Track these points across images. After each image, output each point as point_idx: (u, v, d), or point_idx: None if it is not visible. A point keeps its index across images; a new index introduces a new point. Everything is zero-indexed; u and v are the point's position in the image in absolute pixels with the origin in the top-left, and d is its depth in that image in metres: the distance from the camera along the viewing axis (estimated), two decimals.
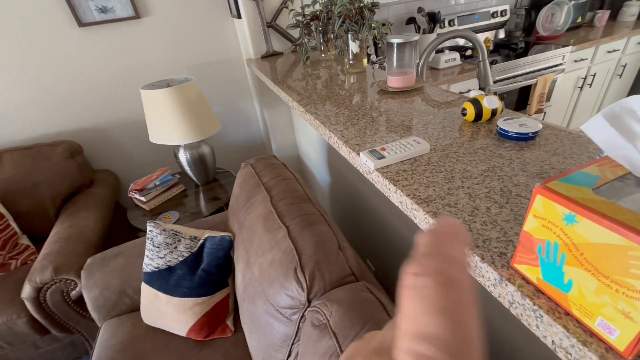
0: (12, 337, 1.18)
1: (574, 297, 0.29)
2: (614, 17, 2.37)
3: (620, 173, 0.29)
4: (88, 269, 1.10)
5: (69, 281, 1.15)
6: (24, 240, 1.40)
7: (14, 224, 1.37)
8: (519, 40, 2.16)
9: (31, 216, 1.44)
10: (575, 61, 2.04)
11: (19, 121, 1.57)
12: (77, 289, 1.17)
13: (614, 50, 2.13)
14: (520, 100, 2.00)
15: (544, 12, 2.09)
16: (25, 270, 1.29)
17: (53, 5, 1.42)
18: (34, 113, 1.58)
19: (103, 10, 1.48)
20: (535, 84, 1.90)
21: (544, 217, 0.29)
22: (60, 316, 1.20)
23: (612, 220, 0.24)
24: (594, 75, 2.17)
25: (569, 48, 1.92)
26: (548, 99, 2.06)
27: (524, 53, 1.95)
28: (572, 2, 2.10)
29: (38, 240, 1.47)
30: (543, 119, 2.12)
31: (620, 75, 2.29)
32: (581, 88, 2.19)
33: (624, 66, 2.25)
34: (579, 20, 2.25)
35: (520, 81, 1.90)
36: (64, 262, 1.16)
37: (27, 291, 1.12)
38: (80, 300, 1.20)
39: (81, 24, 1.47)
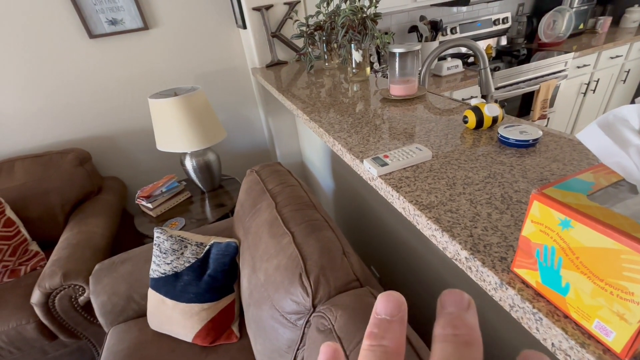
0: (21, 343, 1.20)
1: (571, 299, 0.29)
2: (616, 23, 2.38)
3: (614, 180, 0.30)
4: (96, 274, 1.11)
5: (77, 287, 1.17)
6: (34, 247, 1.42)
7: (24, 231, 1.40)
8: (521, 47, 2.18)
9: (41, 223, 1.47)
10: (578, 67, 2.04)
11: (30, 130, 1.61)
12: (85, 294, 1.19)
13: (617, 56, 2.13)
14: (523, 106, 2.01)
15: (545, 19, 2.11)
16: (35, 276, 1.31)
17: (65, 18, 1.47)
18: (45, 122, 1.62)
19: (113, 22, 1.53)
20: (538, 90, 1.91)
21: (541, 222, 0.30)
22: (69, 322, 1.21)
23: (605, 225, 0.25)
24: (597, 81, 2.17)
25: (572, 54, 1.93)
26: (551, 105, 2.06)
27: (527, 60, 1.96)
28: (574, 9, 2.11)
29: (47, 246, 1.50)
30: (547, 125, 2.13)
31: (624, 81, 2.30)
32: (585, 94, 2.20)
33: (628, 72, 2.25)
34: (581, 26, 2.26)
35: (523, 87, 1.91)
36: (72, 268, 1.18)
37: (36, 297, 1.14)
38: (88, 305, 1.22)
39: (92, 35, 1.52)
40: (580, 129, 2.37)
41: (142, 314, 1.11)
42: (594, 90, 2.21)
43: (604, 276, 0.26)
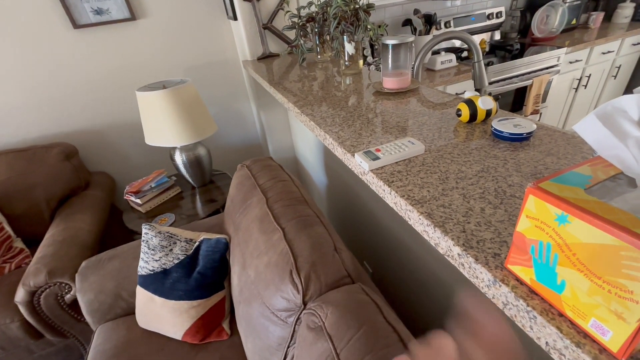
0: (6, 342, 1.16)
1: (567, 298, 0.28)
2: (608, 18, 2.39)
3: (612, 173, 0.29)
4: (83, 272, 1.09)
5: (63, 285, 1.14)
6: (18, 244, 1.38)
7: (8, 227, 1.35)
8: (515, 41, 2.17)
9: (26, 219, 1.43)
10: (571, 62, 2.05)
11: (13, 123, 1.56)
12: (71, 292, 1.16)
13: (609, 52, 2.14)
14: (516, 101, 2.01)
15: (539, 14, 2.10)
16: (19, 274, 1.28)
17: (48, 7, 1.41)
18: (29, 115, 1.56)
19: (98, 12, 1.48)
20: (531, 85, 1.91)
21: (537, 217, 0.29)
22: (55, 320, 1.18)
23: (604, 220, 0.24)
24: (589, 77, 2.18)
25: (564, 49, 1.93)
26: (544, 100, 2.07)
27: (520, 54, 1.96)
28: (567, 4, 2.11)
29: (32, 243, 1.46)
30: (539, 120, 2.13)
31: (615, 77, 2.31)
32: (576, 89, 2.21)
33: (619, 67, 2.27)
34: (574, 22, 2.26)
35: (516, 82, 1.91)
36: (58, 265, 1.15)
37: (20, 295, 1.11)
38: (74, 304, 1.19)
39: (76, 25, 1.47)
40: (572, 124, 2.39)
41: (130, 312, 1.09)
42: (586, 86, 2.22)
43: (602, 273, 0.25)
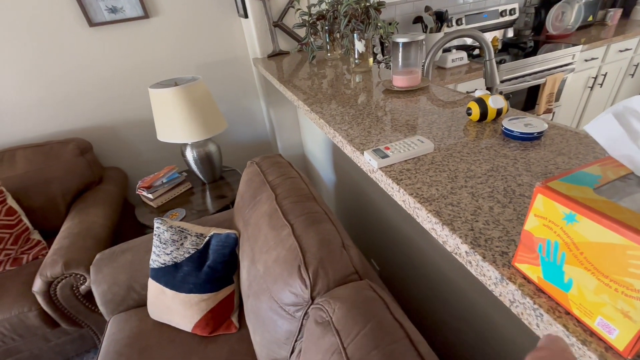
0: (23, 330, 1.21)
1: (574, 296, 0.29)
2: (626, 15, 2.33)
3: (622, 173, 0.29)
4: (97, 264, 1.12)
5: (78, 276, 1.18)
6: (36, 236, 1.43)
7: (26, 220, 1.40)
8: (528, 39, 2.13)
9: (43, 212, 1.47)
10: (586, 60, 2.00)
11: (31, 119, 1.60)
12: (86, 283, 1.19)
13: (626, 50, 2.09)
14: (528, 99, 1.97)
15: (554, 11, 2.06)
16: (37, 265, 1.32)
17: (64, 6, 1.45)
18: (45, 111, 1.61)
19: (113, 10, 1.51)
20: (544, 84, 1.88)
21: (545, 216, 0.29)
22: (70, 310, 1.23)
23: (612, 220, 0.24)
24: (605, 75, 2.13)
25: (580, 47, 1.89)
26: (557, 99, 2.03)
27: (533, 52, 1.92)
28: (583, 1, 2.06)
29: (49, 235, 1.51)
30: (552, 119, 2.09)
31: (633, 75, 2.25)
32: (592, 88, 2.16)
33: (636, 65, 2.21)
34: (590, 18, 2.21)
35: (529, 81, 1.87)
36: (73, 257, 1.18)
37: (38, 285, 1.15)
38: (89, 294, 1.23)
39: (92, 23, 1.50)
40: (586, 124, 2.34)
41: (142, 304, 1.12)
42: (602, 85, 2.17)
43: (609, 272, 0.25)
